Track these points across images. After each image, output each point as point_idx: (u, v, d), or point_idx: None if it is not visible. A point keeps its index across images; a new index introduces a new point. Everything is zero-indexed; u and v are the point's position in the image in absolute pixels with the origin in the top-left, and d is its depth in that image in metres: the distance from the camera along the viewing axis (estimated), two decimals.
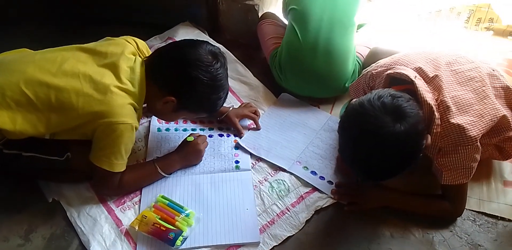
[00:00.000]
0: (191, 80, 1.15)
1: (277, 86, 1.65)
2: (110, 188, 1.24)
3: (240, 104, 1.56)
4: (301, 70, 1.54)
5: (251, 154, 1.42)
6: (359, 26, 1.65)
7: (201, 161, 1.37)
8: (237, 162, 1.39)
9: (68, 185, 1.30)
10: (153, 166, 1.30)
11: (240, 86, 1.66)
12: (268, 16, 1.78)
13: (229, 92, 1.55)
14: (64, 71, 1.11)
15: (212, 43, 1.30)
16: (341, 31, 1.53)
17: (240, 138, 1.46)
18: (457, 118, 1.13)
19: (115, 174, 1.19)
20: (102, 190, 1.28)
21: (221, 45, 1.77)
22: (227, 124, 1.49)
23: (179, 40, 1.25)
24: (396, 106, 1.02)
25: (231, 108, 1.48)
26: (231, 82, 1.64)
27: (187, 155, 1.34)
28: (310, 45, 1.51)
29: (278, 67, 1.60)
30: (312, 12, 1.53)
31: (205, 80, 1.15)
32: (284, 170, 1.38)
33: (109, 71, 1.14)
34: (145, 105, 1.25)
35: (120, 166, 1.17)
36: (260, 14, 1.79)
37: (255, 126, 1.50)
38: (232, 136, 1.48)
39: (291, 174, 1.37)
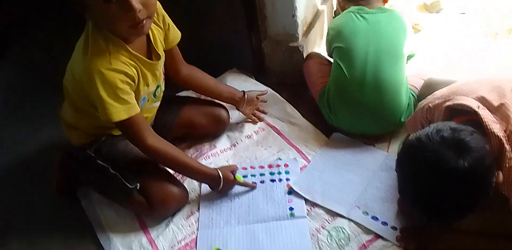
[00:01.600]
0: None
1: (328, 126, 1.59)
2: (136, 139, 1.20)
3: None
4: (350, 106, 1.49)
5: (305, 199, 1.35)
6: (409, 57, 1.59)
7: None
8: (291, 208, 1.32)
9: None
10: (217, 171, 1.31)
11: (289, 128, 1.62)
12: (313, 56, 1.77)
13: (277, 134, 1.56)
14: None
15: None
16: (389, 63, 1.47)
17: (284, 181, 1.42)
18: None
19: (124, 123, 1.14)
20: (133, 141, 1.23)
21: (269, 88, 1.78)
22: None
23: None
24: (457, 140, 0.94)
25: (245, 96, 1.55)
26: (279, 124, 1.62)
27: (224, 185, 1.34)
28: (357, 80, 1.46)
29: (327, 106, 1.56)
30: (356, 47, 1.49)
31: None
32: (342, 216, 1.29)
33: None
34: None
35: (115, 114, 1.11)
36: (304, 55, 1.78)
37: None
38: (284, 180, 1.42)
39: (350, 220, 1.28)
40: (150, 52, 1.24)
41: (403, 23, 1.55)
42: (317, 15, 1.89)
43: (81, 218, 1.40)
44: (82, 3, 1.04)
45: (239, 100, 1.57)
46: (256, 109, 1.67)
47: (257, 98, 1.65)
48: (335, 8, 2.05)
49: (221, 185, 1.32)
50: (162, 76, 1.33)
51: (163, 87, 1.35)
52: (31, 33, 2.43)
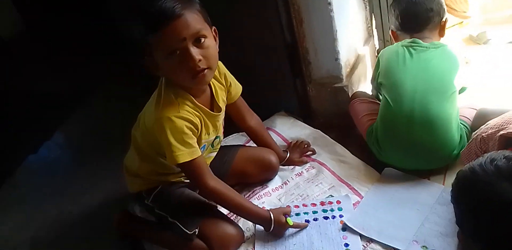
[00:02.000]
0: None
1: (379, 163, 1.58)
2: (200, 179, 1.28)
3: (288, 145, 1.73)
4: (399, 143, 1.48)
5: (360, 235, 1.32)
6: (461, 91, 1.56)
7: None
8: (346, 245, 1.30)
9: None
10: (268, 212, 1.34)
11: (340, 166, 1.63)
12: (359, 95, 1.79)
13: (327, 171, 1.58)
14: None
15: None
16: (438, 98, 1.46)
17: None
18: None
19: (188, 165, 1.23)
20: (195, 182, 1.32)
21: (318, 130, 1.82)
22: None
23: None
24: None
25: (287, 156, 1.64)
26: (330, 163, 1.64)
27: (276, 227, 1.35)
28: (405, 116, 1.46)
29: (376, 143, 1.56)
30: (404, 84, 1.49)
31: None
32: None
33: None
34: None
35: (181, 156, 1.21)
36: (350, 94, 1.82)
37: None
38: (337, 217, 1.41)
39: None
40: (213, 105, 1.37)
41: (456, 59, 1.52)
42: (360, 56, 1.95)
43: None
44: (154, 63, 1.19)
45: (282, 159, 1.65)
46: (304, 153, 1.72)
47: (304, 144, 1.72)
48: (377, 47, 2.10)
49: (272, 226, 1.34)
50: (222, 129, 1.44)
51: (221, 138, 1.46)
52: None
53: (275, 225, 1.34)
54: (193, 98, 1.26)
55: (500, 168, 0.91)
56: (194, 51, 1.13)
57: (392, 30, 1.69)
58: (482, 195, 0.91)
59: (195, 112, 1.26)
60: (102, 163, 2.09)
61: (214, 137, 1.39)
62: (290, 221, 1.36)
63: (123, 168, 1.51)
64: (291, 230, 1.39)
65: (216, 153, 1.49)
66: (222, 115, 1.40)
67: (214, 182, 1.29)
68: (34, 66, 3.29)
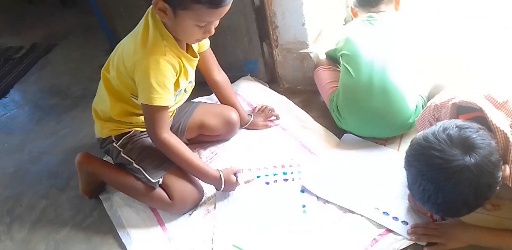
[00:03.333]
0: None
1: (340, 130, 1.63)
2: (155, 128, 1.30)
3: (253, 110, 1.76)
4: (358, 110, 1.52)
5: (317, 197, 1.38)
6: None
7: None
8: (304, 206, 1.36)
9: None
10: (218, 172, 1.37)
11: (302, 131, 1.67)
12: (323, 62, 1.81)
13: (290, 136, 1.62)
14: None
15: None
16: (395, 68, 1.51)
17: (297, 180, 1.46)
18: None
19: (157, 109, 1.27)
20: (149, 130, 1.33)
21: (283, 95, 1.84)
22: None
23: None
24: (464, 138, 0.97)
25: (251, 119, 1.67)
26: (292, 128, 1.68)
27: (226, 187, 1.38)
28: (365, 85, 1.50)
29: (337, 110, 1.60)
30: (363, 54, 1.54)
31: None
32: (353, 212, 1.32)
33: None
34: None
35: (157, 99, 1.24)
36: (315, 61, 1.83)
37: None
38: (297, 179, 1.46)
39: (362, 215, 1.30)
40: (189, 51, 1.37)
41: (410, 29, 1.60)
42: (327, 22, 1.95)
43: (104, 220, 1.48)
44: (169, 12, 1.17)
45: (246, 122, 1.69)
46: (268, 118, 1.75)
47: (268, 109, 1.75)
48: (345, 16, 2.11)
49: (222, 186, 1.37)
50: (193, 74, 1.45)
51: (193, 84, 1.47)
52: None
53: (225, 184, 1.37)
54: (177, 44, 1.28)
55: (452, 136, 0.97)
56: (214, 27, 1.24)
57: (351, 8, 1.78)
58: (433, 161, 0.97)
59: (177, 57, 1.29)
60: (62, 121, 2.05)
61: (189, 81, 1.41)
62: (241, 181, 1.39)
63: (92, 114, 1.49)
64: (251, 191, 1.43)
65: (187, 96, 1.50)
66: (197, 61, 1.41)
67: (168, 135, 1.32)
68: None
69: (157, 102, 1.25)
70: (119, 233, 1.41)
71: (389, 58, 1.52)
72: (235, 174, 1.40)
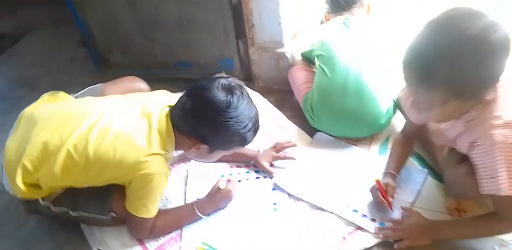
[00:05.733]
0: (214, 125, 1.16)
1: (312, 129, 1.65)
2: (146, 232, 1.28)
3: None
4: (333, 111, 1.55)
5: (288, 195, 1.40)
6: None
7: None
8: (274, 203, 1.37)
9: (112, 234, 1.34)
10: (192, 207, 1.32)
11: (275, 130, 1.68)
12: (298, 62, 1.84)
13: (266, 137, 1.59)
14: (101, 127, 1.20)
15: (224, 76, 1.31)
16: (370, 70, 1.54)
17: (271, 178, 1.46)
18: None
19: (150, 219, 1.25)
20: (137, 235, 1.30)
21: (257, 93, 1.85)
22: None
23: (194, 86, 1.22)
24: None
25: (259, 151, 1.51)
26: (267, 127, 1.68)
27: (219, 201, 1.36)
28: (340, 86, 1.53)
29: (311, 110, 1.62)
30: (340, 55, 1.57)
31: (227, 121, 1.15)
32: (323, 210, 1.34)
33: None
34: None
35: (145, 212, 1.22)
36: (290, 61, 1.85)
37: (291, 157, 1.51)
38: (268, 177, 1.47)
39: (332, 213, 1.33)
40: None
41: (384, 32, 1.65)
42: (303, 23, 1.97)
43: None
44: (217, 137, 1.19)
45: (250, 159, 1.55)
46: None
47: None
48: (322, 17, 2.13)
49: (207, 209, 1.35)
50: None
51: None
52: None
53: (212, 205, 1.35)
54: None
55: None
56: None
57: (325, 16, 1.83)
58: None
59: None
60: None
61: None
62: (222, 185, 1.37)
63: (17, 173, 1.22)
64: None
65: None
66: None
67: (149, 232, 1.28)
68: None
69: (145, 215, 1.22)
70: (83, 230, 1.37)
71: (364, 61, 1.55)
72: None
